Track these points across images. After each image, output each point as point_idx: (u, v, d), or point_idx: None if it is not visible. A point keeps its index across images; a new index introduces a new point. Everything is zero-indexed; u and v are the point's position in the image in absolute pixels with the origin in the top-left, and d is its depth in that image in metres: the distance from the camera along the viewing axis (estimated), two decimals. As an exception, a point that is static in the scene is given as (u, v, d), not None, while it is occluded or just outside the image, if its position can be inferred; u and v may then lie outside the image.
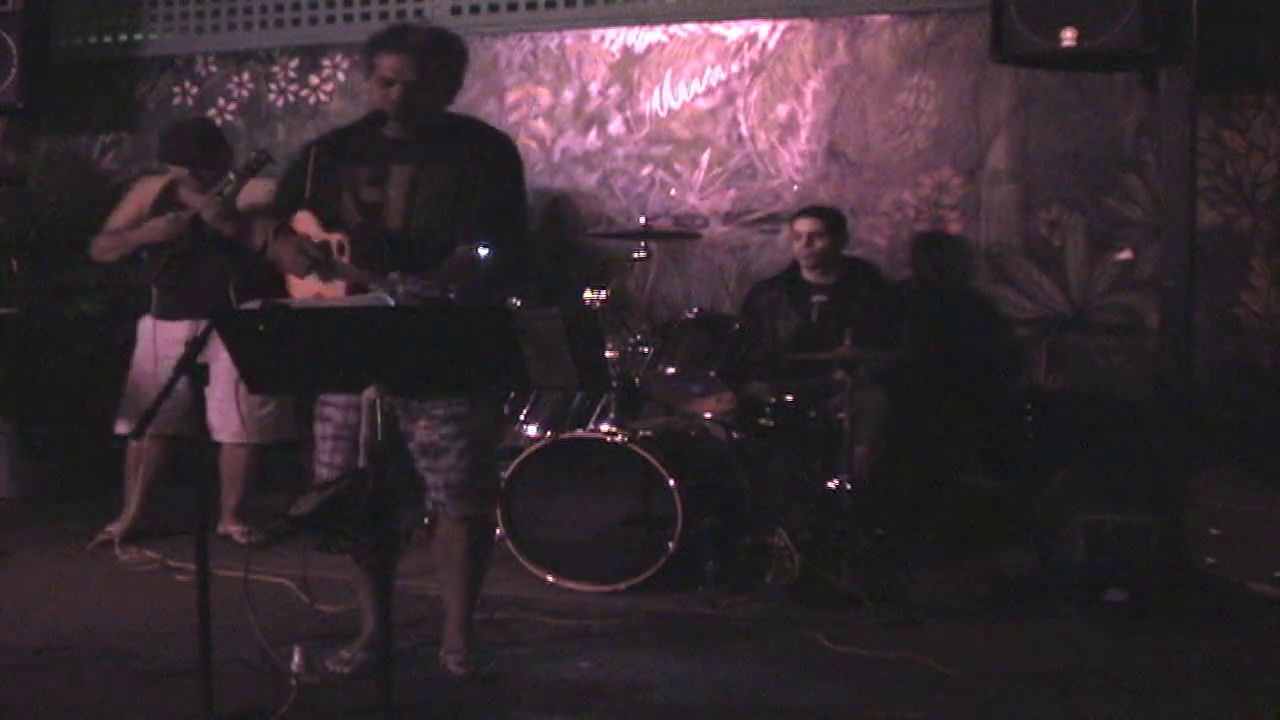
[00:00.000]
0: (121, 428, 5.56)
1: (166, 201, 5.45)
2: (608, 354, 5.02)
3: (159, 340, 5.39)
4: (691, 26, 6.34)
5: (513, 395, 5.30)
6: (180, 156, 5.42)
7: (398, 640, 3.64)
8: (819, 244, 5.57)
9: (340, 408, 3.83)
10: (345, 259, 3.75)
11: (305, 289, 3.84)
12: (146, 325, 5.52)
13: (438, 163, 3.83)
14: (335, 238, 3.79)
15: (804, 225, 5.61)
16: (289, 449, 5.57)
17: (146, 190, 5.56)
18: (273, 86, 6.96)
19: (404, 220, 3.82)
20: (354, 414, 3.75)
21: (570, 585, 4.82)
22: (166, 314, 5.42)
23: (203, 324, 5.29)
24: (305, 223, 3.86)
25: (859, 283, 5.62)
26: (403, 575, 4.30)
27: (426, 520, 5.37)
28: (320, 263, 3.74)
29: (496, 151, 3.95)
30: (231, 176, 5.22)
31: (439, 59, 3.82)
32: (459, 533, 3.94)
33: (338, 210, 3.86)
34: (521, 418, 5.29)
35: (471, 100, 6.47)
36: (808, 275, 5.66)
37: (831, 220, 5.64)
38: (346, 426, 3.81)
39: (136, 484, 5.51)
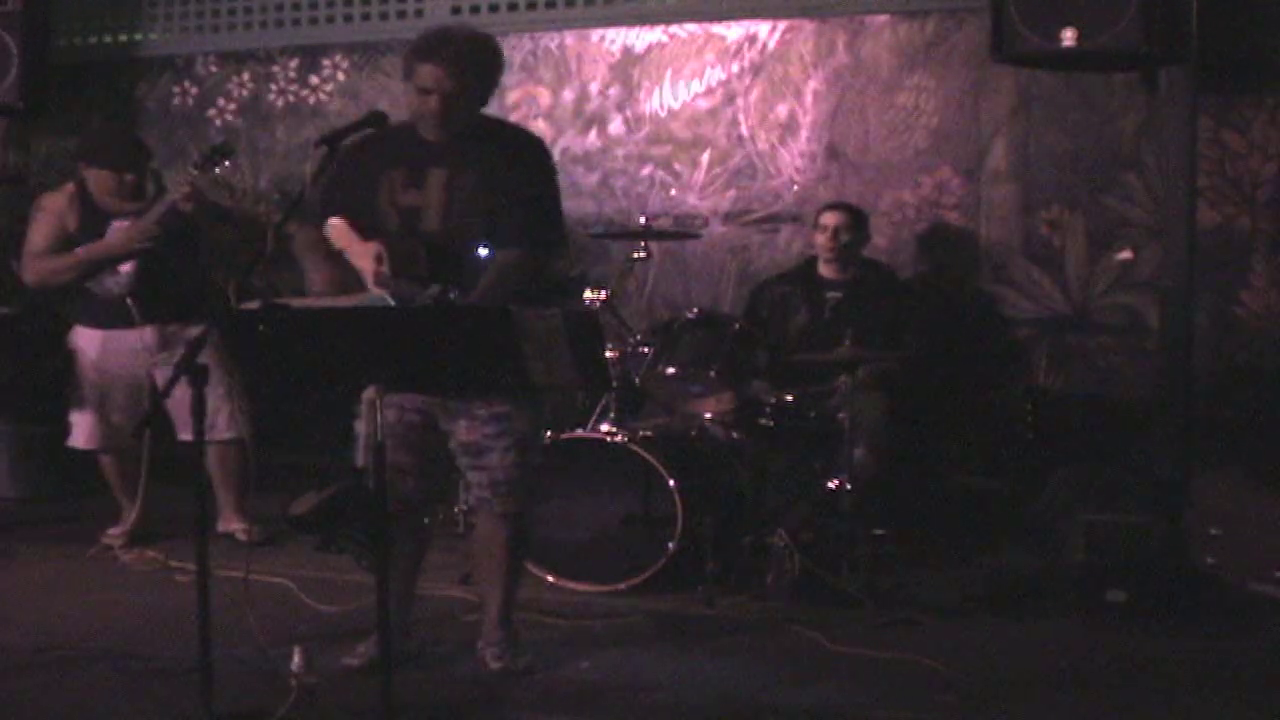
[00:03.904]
0: (84, 442, 5.51)
1: (90, 210, 5.33)
2: (608, 354, 5.02)
3: (117, 349, 5.34)
4: (691, 26, 6.34)
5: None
6: (117, 160, 5.34)
7: (398, 640, 3.64)
8: (844, 238, 5.57)
9: (395, 407, 3.80)
10: (385, 268, 3.77)
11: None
12: (91, 336, 5.40)
13: (470, 165, 3.83)
14: (374, 246, 3.80)
15: (830, 218, 5.61)
16: (290, 449, 5.60)
17: (56, 205, 5.38)
18: (273, 86, 6.96)
19: (442, 223, 3.83)
20: (413, 415, 3.80)
21: (570, 585, 4.82)
22: (120, 321, 5.30)
23: (172, 327, 5.37)
24: (340, 232, 3.86)
25: (874, 283, 5.62)
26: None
27: (427, 520, 5.40)
28: (350, 284, 3.78)
29: (529, 153, 3.97)
30: (193, 171, 5.18)
31: (476, 68, 3.81)
32: (500, 530, 3.97)
33: (375, 216, 3.87)
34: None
35: (471, 100, 6.47)
36: (824, 271, 5.66)
37: (857, 216, 5.65)
38: (401, 425, 3.81)
39: (128, 488, 5.50)
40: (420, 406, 3.82)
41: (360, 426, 3.95)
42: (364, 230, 3.85)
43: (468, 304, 3.63)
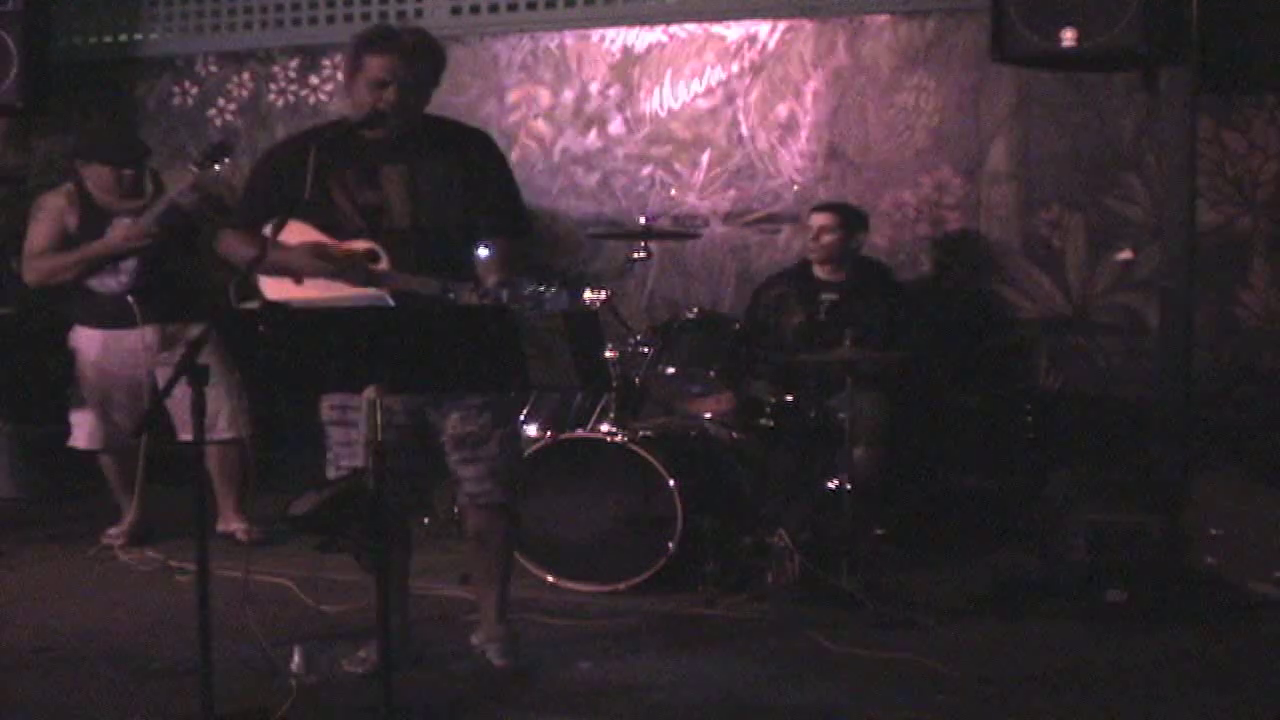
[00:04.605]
0: (85, 442, 5.50)
1: (89, 209, 5.33)
2: (608, 354, 5.02)
3: (117, 349, 5.34)
4: (691, 26, 6.34)
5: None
6: (114, 156, 5.34)
7: (398, 642, 3.64)
8: (826, 239, 5.55)
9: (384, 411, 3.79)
10: (383, 265, 3.76)
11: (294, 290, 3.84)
12: (92, 336, 5.39)
13: (430, 160, 3.85)
14: (364, 245, 3.79)
15: (815, 219, 5.59)
16: (291, 449, 5.58)
17: (56, 205, 5.38)
18: (273, 86, 6.96)
19: (411, 220, 3.83)
20: (402, 416, 3.78)
21: (570, 585, 4.82)
22: (121, 321, 5.29)
23: (172, 326, 5.38)
24: (303, 234, 3.82)
25: (870, 283, 5.59)
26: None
27: (427, 520, 5.40)
28: (361, 273, 3.77)
29: (484, 144, 4.03)
30: (194, 168, 5.18)
31: (428, 61, 3.85)
32: (498, 522, 3.98)
33: (336, 215, 3.85)
34: (521, 418, 5.29)
35: (472, 100, 6.48)
36: (818, 271, 5.64)
37: (845, 217, 5.59)
38: (391, 430, 3.78)
39: (128, 488, 5.49)
40: (408, 406, 3.81)
41: (333, 434, 3.94)
42: (330, 231, 3.83)
43: (468, 304, 3.63)
